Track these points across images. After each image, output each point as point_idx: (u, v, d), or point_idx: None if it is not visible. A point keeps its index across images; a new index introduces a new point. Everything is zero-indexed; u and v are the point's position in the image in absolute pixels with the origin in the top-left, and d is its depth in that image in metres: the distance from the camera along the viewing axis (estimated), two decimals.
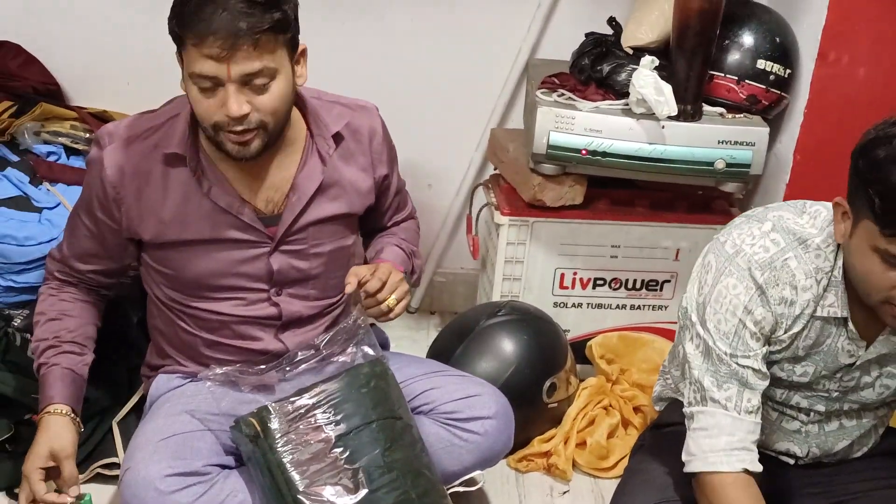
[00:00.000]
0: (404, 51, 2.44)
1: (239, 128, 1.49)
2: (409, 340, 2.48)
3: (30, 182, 2.07)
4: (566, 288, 2.32)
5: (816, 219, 1.48)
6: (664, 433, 1.74)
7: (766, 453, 1.63)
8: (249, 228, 1.63)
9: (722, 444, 1.46)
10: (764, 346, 1.48)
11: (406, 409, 1.65)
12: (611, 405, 2.15)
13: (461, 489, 1.75)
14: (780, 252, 1.45)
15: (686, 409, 1.53)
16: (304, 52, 1.57)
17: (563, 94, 2.18)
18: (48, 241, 1.97)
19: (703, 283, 1.51)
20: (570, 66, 2.26)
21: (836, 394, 1.56)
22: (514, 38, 2.43)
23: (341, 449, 1.55)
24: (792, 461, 1.66)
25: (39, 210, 2.03)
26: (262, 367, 1.67)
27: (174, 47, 1.48)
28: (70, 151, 2.19)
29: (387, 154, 1.76)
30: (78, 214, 1.67)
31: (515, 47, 2.43)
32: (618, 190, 2.30)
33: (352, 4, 2.35)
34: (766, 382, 1.49)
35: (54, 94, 2.34)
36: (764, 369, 1.49)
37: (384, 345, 1.90)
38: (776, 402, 1.60)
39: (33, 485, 1.52)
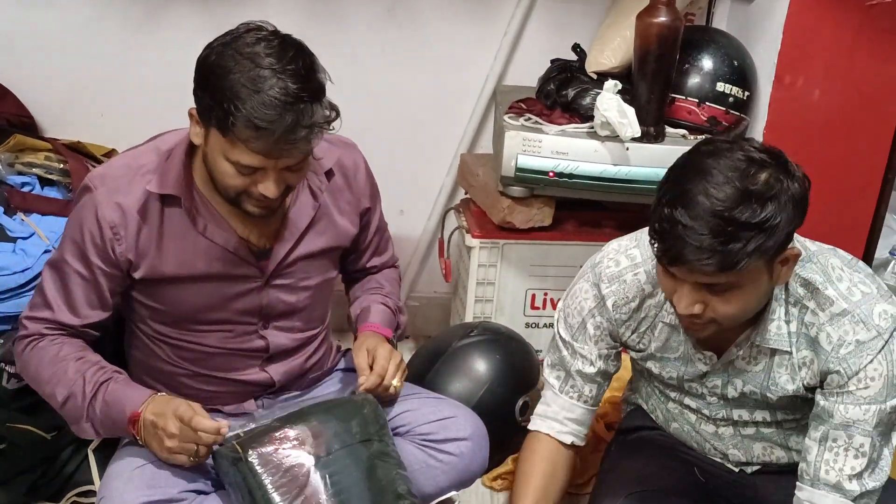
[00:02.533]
0: (376, 80, 2.48)
1: (270, 202, 1.52)
2: None
3: (4, 212, 2.08)
4: (537, 308, 2.36)
5: None
6: (631, 439, 1.80)
7: (714, 461, 1.73)
8: (244, 263, 1.63)
9: (540, 410, 1.73)
10: (603, 346, 1.65)
11: (388, 433, 1.67)
12: None
13: None
14: (632, 267, 1.59)
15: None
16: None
17: (530, 119, 2.24)
18: (22, 271, 1.98)
19: (573, 280, 1.70)
20: (537, 91, 2.32)
21: (711, 398, 1.63)
22: (482, 65, 2.49)
23: (322, 472, 1.55)
24: (736, 468, 1.71)
25: (14, 240, 2.04)
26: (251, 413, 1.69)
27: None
28: (44, 182, 2.20)
29: (370, 189, 1.79)
30: (65, 265, 1.59)
31: (483, 75, 2.50)
32: (585, 211, 2.36)
33: (323, 36, 2.40)
34: (593, 384, 1.69)
35: (28, 126, 2.35)
36: (592, 369, 1.67)
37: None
38: (679, 403, 1.70)
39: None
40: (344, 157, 1.75)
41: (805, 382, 1.52)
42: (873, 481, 1.48)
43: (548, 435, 1.70)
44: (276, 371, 1.73)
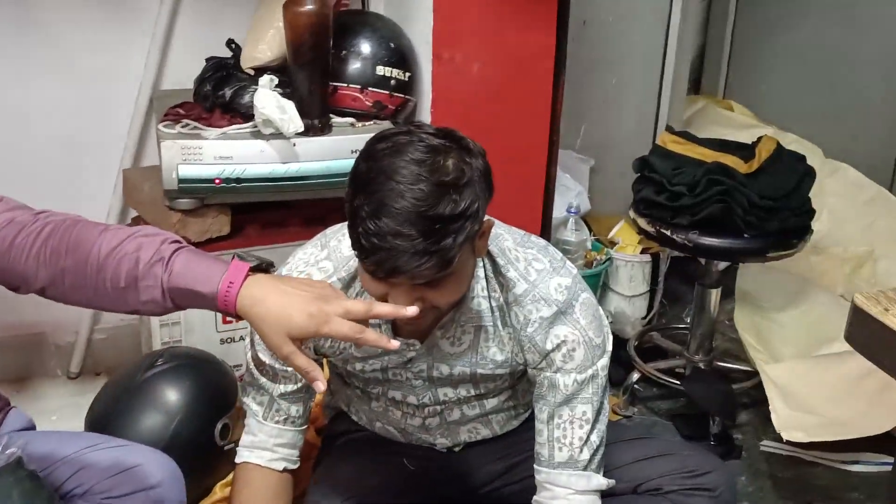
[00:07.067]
0: (11, 98, 2.25)
1: None
2: (74, 408, 2.27)
3: None
4: (229, 322, 2.24)
5: None
6: (339, 444, 1.78)
7: (422, 447, 1.73)
8: None
9: (246, 441, 1.62)
10: None
11: None
12: None
13: None
14: (326, 280, 1.50)
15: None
16: None
17: (187, 125, 2.09)
18: None
19: None
20: (194, 93, 2.19)
21: (416, 381, 1.62)
22: (132, 73, 2.32)
23: None
24: (444, 450, 1.73)
25: None
26: None
27: None
28: None
29: None
30: None
31: (136, 82, 2.32)
32: (268, 212, 2.26)
33: None
34: (299, 403, 1.60)
35: None
36: (295, 386, 1.57)
37: (29, 427, 1.71)
38: (383, 398, 1.67)
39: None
40: None
41: (514, 354, 1.54)
42: (597, 435, 1.52)
43: (258, 465, 1.60)
44: None
